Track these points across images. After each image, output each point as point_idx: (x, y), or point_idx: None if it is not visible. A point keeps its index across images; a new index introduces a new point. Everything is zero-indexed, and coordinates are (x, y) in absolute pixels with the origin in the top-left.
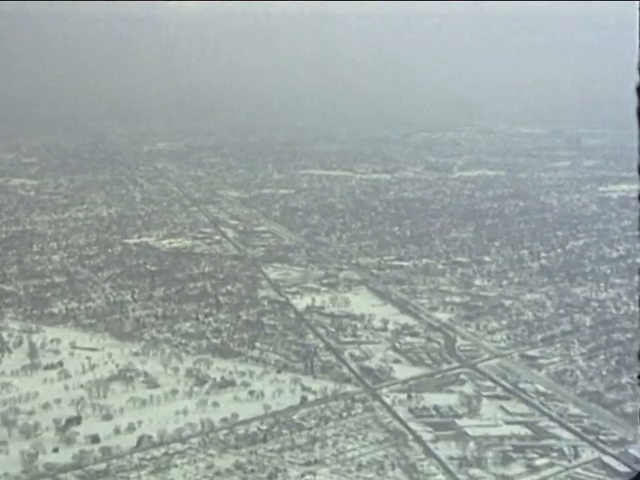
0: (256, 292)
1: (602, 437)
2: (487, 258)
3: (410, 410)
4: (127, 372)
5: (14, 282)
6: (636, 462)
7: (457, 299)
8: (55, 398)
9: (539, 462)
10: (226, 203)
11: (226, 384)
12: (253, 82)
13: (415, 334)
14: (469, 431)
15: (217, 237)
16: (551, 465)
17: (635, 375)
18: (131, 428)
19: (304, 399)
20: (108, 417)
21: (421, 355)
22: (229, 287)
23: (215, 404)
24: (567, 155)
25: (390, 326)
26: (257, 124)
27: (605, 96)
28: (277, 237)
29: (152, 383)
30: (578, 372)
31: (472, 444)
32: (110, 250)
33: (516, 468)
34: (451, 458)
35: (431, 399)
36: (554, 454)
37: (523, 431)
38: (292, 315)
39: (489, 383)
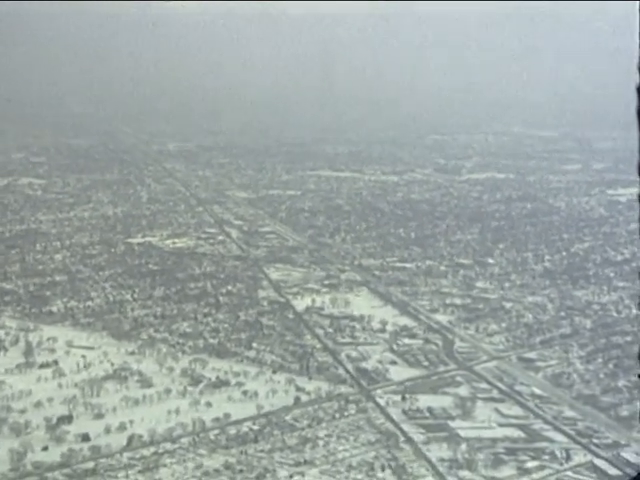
0: (256, 292)
1: (595, 440)
2: (491, 260)
3: (403, 412)
4: (122, 371)
5: (14, 280)
6: (628, 465)
7: (458, 301)
8: (48, 396)
9: (530, 465)
10: (232, 204)
11: (220, 384)
12: (260, 82)
13: (413, 336)
14: (461, 433)
15: (221, 237)
16: (542, 468)
17: (632, 378)
18: (122, 427)
19: (298, 400)
20: (100, 416)
21: (418, 357)
22: (230, 287)
23: (208, 404)
24: (578, 158)
25: (389, 327)
26: (267, 125)
27: (618, 99)
28: (281, 238)
29: (146, 382)
30: (575, 375)
31: (464, 446)
32: (113, 249)
33: (507, 470)
34: (442, 460)
35: (425, 401)
36: (546, 457)
37: (516, 433)
38: (291, 316)
39: (485, 385)
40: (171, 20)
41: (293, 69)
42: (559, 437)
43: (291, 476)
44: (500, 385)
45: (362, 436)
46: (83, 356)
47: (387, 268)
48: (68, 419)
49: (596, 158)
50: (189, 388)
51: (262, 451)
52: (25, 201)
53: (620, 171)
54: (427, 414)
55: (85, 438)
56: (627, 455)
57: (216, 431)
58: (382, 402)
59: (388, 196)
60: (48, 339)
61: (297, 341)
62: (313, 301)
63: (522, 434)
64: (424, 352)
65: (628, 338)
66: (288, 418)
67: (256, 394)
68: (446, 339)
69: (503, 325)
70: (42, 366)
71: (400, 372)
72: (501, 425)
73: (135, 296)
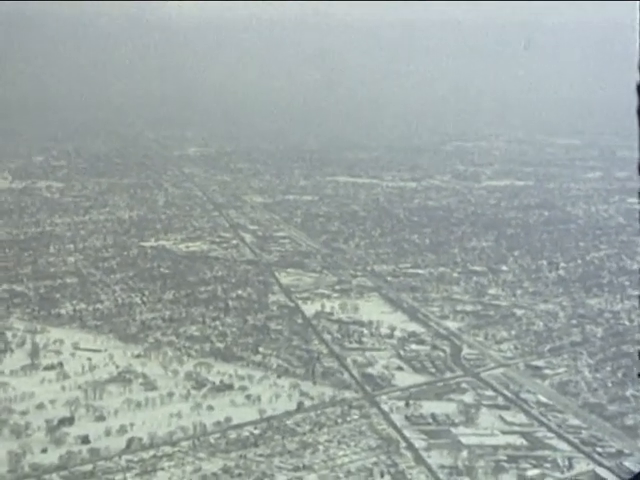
0: (266, 297)
1: (599, 449)
2: (504, 267)
3: (406, 417)
4: (126, 374)
5: (25, 283)
6: (630, 475)
7: (469, 308)
8: (51, 399)
9: (531, 473)
10: (248, 208)
11: (224, 388)
12: (277, 87)
13: (421, 342)
14: (463, 440)
15: (234, 241)
16: (543, 476)
17: None
18: (122, 430)
19: (301, 404)
20: (101, 418)
21: (425, 363)
22: (240, 291)
23: (210, 408)
24: (600, 166)
25: (397, 333)
26: (287, 130)
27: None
28: (295, 243)
29: (150, 385)
30: (583, 383)
31: (465, 453)
32: (126, 253)
33: (507, 478)
34: (442, 466)
35: (429, 407)
36: (548, 465)
37: (519, 441)
38: (300, 320)
39: (490, 392)
40: (180, 23)
41: (306, 75)
42: (562, 445)
43: None
44: (506, 392)
45: (363, 442)
46: (89, 358)
47: (399, 274)
48: (69, 421)
49: (618, 166)
50: (192, 392)
51: (261, 455)
52: (42, 204)
53: None
54: (430, 420)
55: (85, 440)
56: (630, 464)
57: (217, 435)
58: (386, 408)
59: (405, 202)
60: (55, 341)
61: (304, 346)
62: (322, 306)
63: (525, 442)
64: (431, 358)
65: (639, 347)
66: (290, 423)
67: (259, 398)
68: (454, 346)
69: (513, 332)
70: (47, 368)
71: (406, 378)
72: (504, 432)
73: (144, 299)
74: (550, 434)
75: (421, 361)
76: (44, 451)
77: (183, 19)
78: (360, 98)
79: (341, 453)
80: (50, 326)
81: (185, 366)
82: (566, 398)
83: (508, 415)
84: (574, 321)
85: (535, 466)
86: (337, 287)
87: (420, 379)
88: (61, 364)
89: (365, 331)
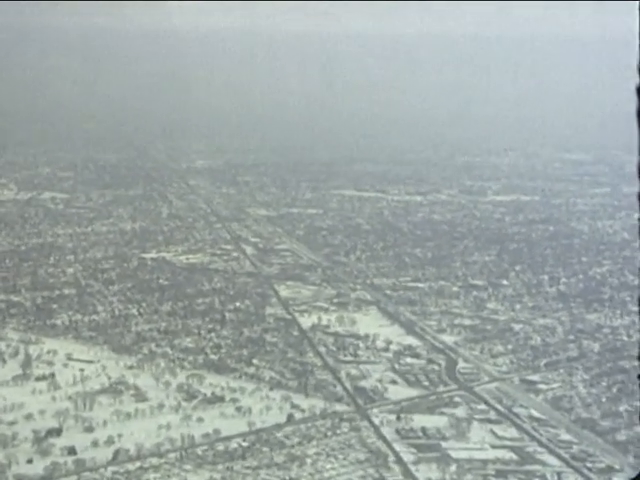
0: (264, 309)
1: (589, 464)
2: (505, 282)
3: (397, 431)
4: (118, 385)
5: (23, 293)
6: None
7: (467, 322)
8: (40, 409)
9: None
10: (251, 221)
11: (215, 400)
12: (286, 99)
13: (417, 355)
14: (453, 454)
15: (235, 254)
16: None
17: (634, 403)
18: (110, 441)
19: (291, 417)
20: (89, 429)
21: (419, 377)
22: (237, 304)
23: (200, 419)
24: (608, 182)
25: (393, 347)
26: (297, 142)
27: None
28: (296, 255)
29: (141, 397)
30: (577, 398)
31: (454, 467)
32: (126, 264)
33: None
34: None
35: (420, 421)
36: None
37: (508, 455)
38: (296, 333)
39: (483, 406)
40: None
41: (313, 88)
42: (552, 460)
43: None
44: (498, 407)
45: (352, 455)
46: (81, 369)
47: (399, 288)
48: (57, 432)
49: (627, 182)
50: (183, 403)
51: (248, 468)
52: (45, 215)
53: None
54: (420, 434)
55: (71, 451)
56: None
57: (204, 447)
58: (376, 421)
59: (409, 216)
60: (48, 352)
61: (298, 358)
62: (319, 319)
63: (515, 456)
64: (425, 372)
65: (635, 363)
66: (279, 435)
67: (250, 410)
68: (449, 359)
69: (509, 347)
70: (38, 379)
71: (399, 391)
72: (494, 447)
73: (141, 311)
74: (541, 449)
75: (415, 375)
76: (29, 462)
77: (191, 29)
78: (369, 111)
79: (329, 466)
80: (45, 337)
81: (178, 378)
82: (559, 413)
83: (499, 429)
84: (572, 336)
85: None
86: (335, 300)
87: (413, 393)
88: (53, 375)
89: (361, 344)
